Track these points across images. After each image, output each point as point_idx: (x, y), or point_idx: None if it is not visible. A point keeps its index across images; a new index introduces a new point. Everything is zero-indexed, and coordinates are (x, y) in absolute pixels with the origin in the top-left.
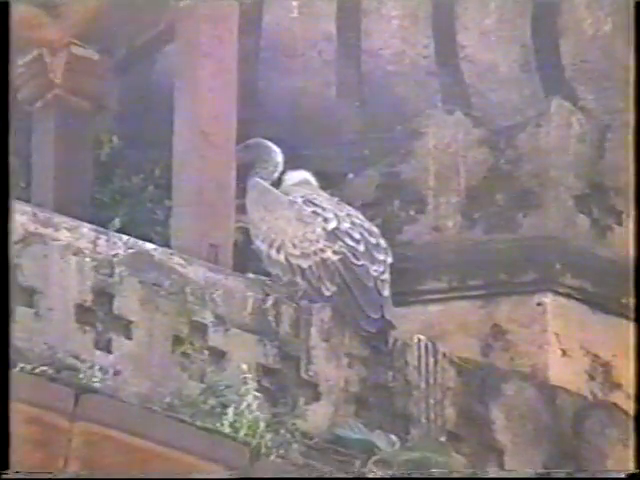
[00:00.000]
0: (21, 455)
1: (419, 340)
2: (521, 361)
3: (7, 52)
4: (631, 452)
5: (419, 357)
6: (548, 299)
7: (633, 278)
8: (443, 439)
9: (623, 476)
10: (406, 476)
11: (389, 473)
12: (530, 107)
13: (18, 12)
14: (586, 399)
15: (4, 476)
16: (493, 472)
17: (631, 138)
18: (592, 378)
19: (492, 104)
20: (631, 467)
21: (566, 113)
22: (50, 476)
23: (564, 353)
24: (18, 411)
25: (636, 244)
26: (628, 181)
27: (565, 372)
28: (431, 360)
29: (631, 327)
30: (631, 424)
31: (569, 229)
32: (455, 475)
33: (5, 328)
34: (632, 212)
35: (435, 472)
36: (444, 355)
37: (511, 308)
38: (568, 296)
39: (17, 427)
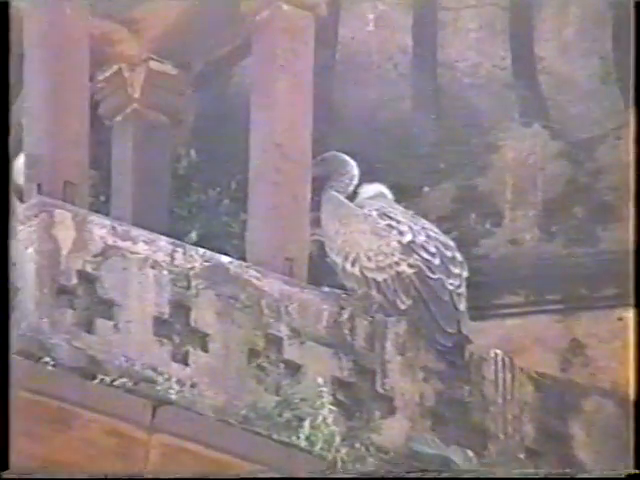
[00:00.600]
0: (101, 466)
1: (496, 355)
2: (601, 377)
3: (7, 52)
4: None
5: (496, 372)
6: (629, 314)
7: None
8: (522, 455)
9: (623, 476)
10: (405, 476)
11: None
12: (609, 119)
13: (98, 27)
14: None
15: (4, 476)
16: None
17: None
18: None
19: (570, 116)
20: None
21: None
22: (50, 476)
23: None
24: (97, 422)
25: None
26: None
27: None
28: (508, 375)
29: None
30: None
31: None
32: (455, 475)
33: (5, 328)
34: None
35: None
36: (521, 370)
37: (591, 323)
38: None
39: (96, 438)
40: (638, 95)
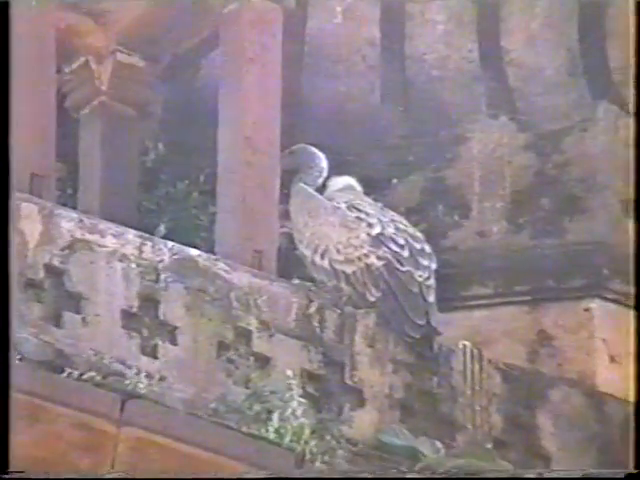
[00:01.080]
0: (69, 460)
1: (464, 346)
2: (568, 367)
3: (7, 52)
4: None
5: (464, 363)
6: (595, 305)
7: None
8: (489, 446)
9: (622, 476)
10: (405, 476)
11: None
12: (576, 111)
13: (65, 19)
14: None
15: (4, 476)
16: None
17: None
18: None
19: (538, 108)
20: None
21: (613, 117)
22: (50, 476)
23: (612, 359)
24: (65, 415)
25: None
26: None
27: (613, 378)
28: (476, 366)
29: None
30: None
31: (616, 234)
32: (456, 475)
33: (5, 329)
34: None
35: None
36: (489, 361)
37: (558, 314)
38: (616, 302)
39: (64, 432)
40: (638, 94)
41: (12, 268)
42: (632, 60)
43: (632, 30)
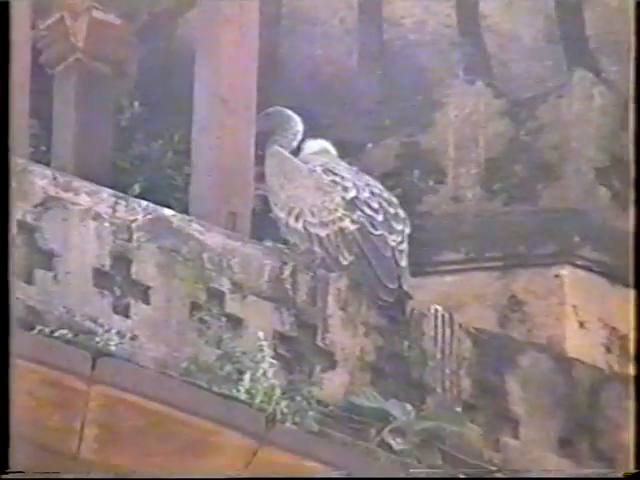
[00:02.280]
0: (39, 417)
1: (436, 310)
2: (538, 333)
3: (7, 52)
4: None
5: (435, 327)
6: (566, 271)
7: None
8: (458, 409)
9: (622, 476)
10: (404, 476)
11: (401, 441)
12: (552, 78)
13: None
14: (603, 371)
15: (4, 476)
16: (503, 443)
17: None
18: (609, 351)
19: (514, 75)
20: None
21: (588, 85)
22: (50, 476)
23: (581, 325)
24: (35, 372)
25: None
26: None
27: (582, 344)
28: (447, 330)
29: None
30: None
31: (589, 201)
32: (456, 475)
33: (5, 332)
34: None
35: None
36: (460, 326)
37: (529, 280)
38: (586, 268)
39: (35, 389)
40: (638, 93)
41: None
42: (632, 61)
43: (632, 30)
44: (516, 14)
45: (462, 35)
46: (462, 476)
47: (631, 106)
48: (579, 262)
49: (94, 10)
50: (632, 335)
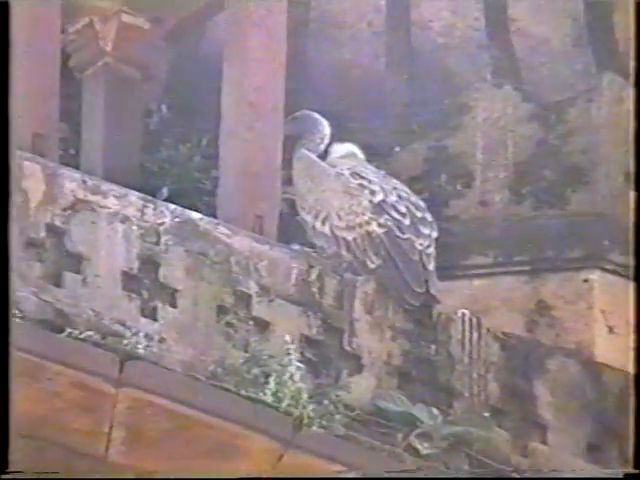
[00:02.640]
0: (67, 419)
1: (463, 314)
2: (566, 337)
3: (7, 52)
4: None
5: (463, 331)
6: (595, 276)
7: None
8: (486, 414)
9: (621, 476)
10: (405, 476)
11: (427, 446)
12: (581, 82)
13: None
14: (632, 376)
15: (4, 476)
16: (531, 448)
17: None
18: (639, 355)
19: (543, 78)
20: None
21: (618, 88)
22: (50, 476)
23: (610, 330)
24: (64, 375)
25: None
26: None
27: (611, 349)
28: (475, 335)
29: None
30: None
31: (618, 206)
32: (455, 475)
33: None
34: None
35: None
36: (488, 330)
37: (557, 284)
38: (615, 273)
39: (63, 391)
40: (639, 93)
41: (12, 227)
42: (632, 60)
43: (632, 30)
44: (545, 17)
45: (490, 38)
46: (460, 476)
47: None
48: (608, 266)
49: (123, 14)
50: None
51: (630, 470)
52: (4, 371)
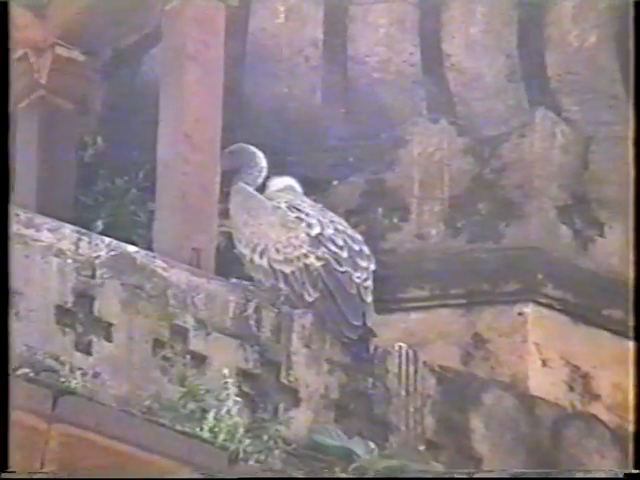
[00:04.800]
0: None
1: (400, 348)
2: (501, 370)
3: (7, 52)
4: (608, 463)
5: (400, 365)
6: (529, 309)
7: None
8: (422, 447)
9: (621, 476)
10: (400, 476)
11: None
12: (515, 117)
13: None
14: (565, 410)
15: (4, 476)
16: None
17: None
18: (571, 389)
19: (477, 113)
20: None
21: (550, 124)
22: (50, 476)
23: (544, 363)
24: None
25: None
26: (611, 193)
27: (545, 382)
28: (411, 368)
29: (610, 339)
30: (609, 435)
31: (551, 240)
32: (454, 475)
33: (5, 331)
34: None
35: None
36: (424, 363)
37: (492, 317)
38: (549, 306)
39: None
40: (638, 98)
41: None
42: (632, 60)
43: (632, 30)
44: (479, 53)
45: (425, 74)
46: (459, 476)
47: (592, 147)
48: (542, 300)
49: (57, 47)
50: (596, 374)
51: (630, 470)
52: (3, 372)
